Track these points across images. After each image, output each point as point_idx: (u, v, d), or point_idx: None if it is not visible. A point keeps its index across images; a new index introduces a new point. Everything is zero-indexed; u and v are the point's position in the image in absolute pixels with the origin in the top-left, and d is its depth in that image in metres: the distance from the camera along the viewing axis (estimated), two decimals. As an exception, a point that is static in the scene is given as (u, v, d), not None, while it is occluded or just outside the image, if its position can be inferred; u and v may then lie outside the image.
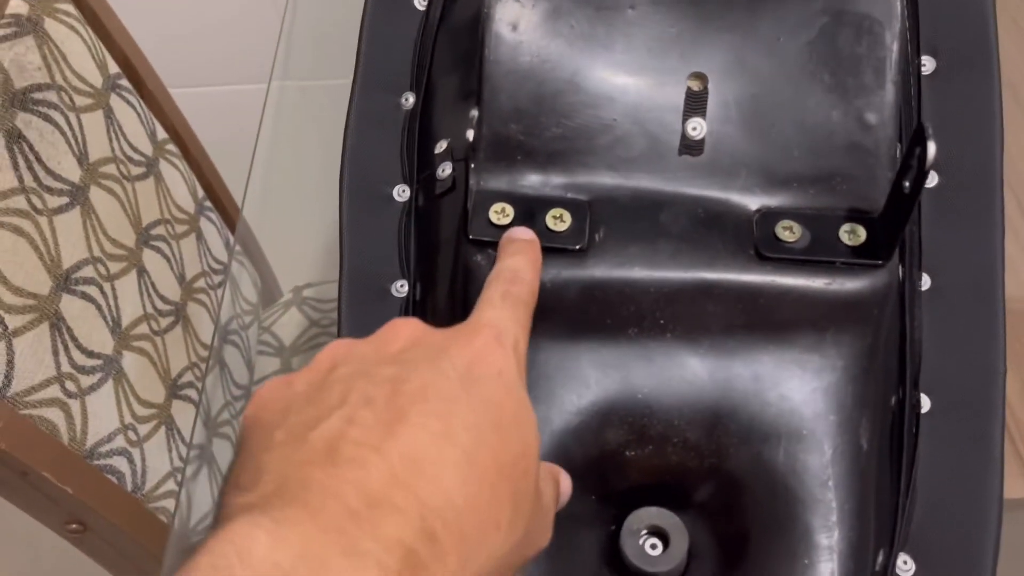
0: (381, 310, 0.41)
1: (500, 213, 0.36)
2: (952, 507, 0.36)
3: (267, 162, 0.74)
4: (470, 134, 0.33)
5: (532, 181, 0.37)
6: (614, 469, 0.35)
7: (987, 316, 0.39)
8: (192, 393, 0.71)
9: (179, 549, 0.61)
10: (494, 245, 0.36)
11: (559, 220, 0.36)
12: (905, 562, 0.35)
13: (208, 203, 0.83)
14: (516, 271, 0.31)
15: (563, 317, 0.35)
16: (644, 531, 0.34)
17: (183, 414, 0.69)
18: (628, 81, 0.38)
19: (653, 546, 0.34)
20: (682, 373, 0.35)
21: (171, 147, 0.76)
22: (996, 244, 0.40)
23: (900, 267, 0.39)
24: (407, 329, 0.27)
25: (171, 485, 0.66)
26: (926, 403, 0.38)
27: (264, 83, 0.76)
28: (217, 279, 0.80)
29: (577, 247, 0.36)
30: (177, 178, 0.76)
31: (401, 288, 0.41)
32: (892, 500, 0.36)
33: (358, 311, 0.41)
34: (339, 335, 0.41)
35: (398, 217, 0.42)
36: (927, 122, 0.39)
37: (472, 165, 0.34)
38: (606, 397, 0.35)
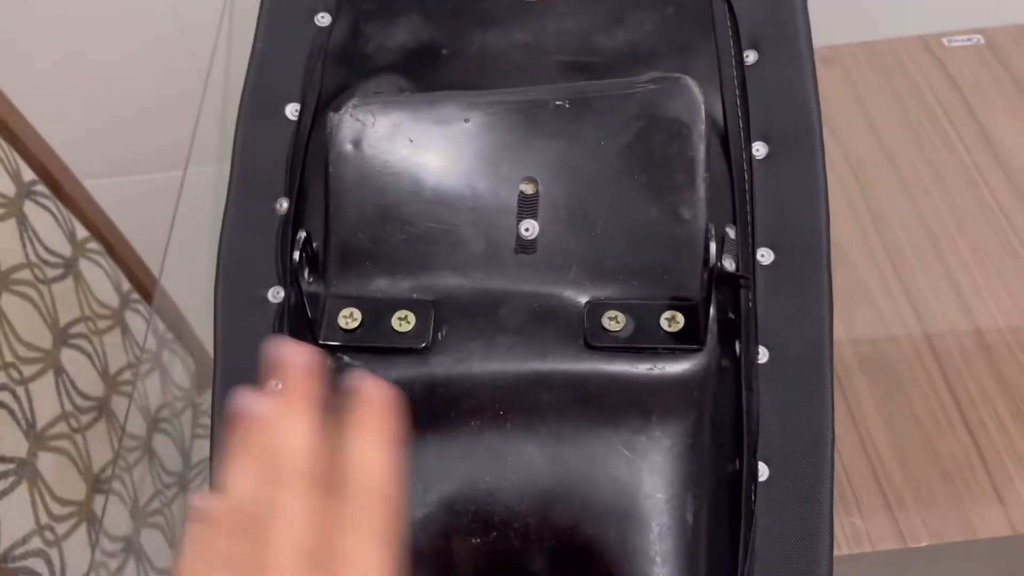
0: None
1: (348, 317, 0.39)
2: (788, 568, 0.38)
3: (188, 244, 0.76)
4: (296, 255, 0.36)
5: (381, 285, 0.40)
6: (462, 557, 0.37)
7: (818, 385, 0.41)
8: (117, 486, 0.73)
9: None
10: (343, 348, 0.39)
11: (404, 321, 0.39)
12: (745, 625, 0.37)
13: (135, 295, 0.85)
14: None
15: (409, 414, 0.38)
16: (488, 615, 0.36)
17: (107, 508, 0.70)
18: (465, 187, 0.40)
19: (500, 629, 0.36)
20: (521, 461, 0.37)
21: (92, 244, 0.78)
22: (824, 315, 0.43)
23: (737, 343, 0.42)
24: None
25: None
26: (764, 471, 0.40)
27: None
28: (145, 368, 0.82)
29: (422, 346, 0.38)
30: (99, 275, 0.78)
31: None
32: (731, 566, 0.38)
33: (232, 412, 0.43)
34: (211, 437, 0.43)
35: (272, 318, 0.45)
36: (718, 220, 0.42)
37: (304, 281, 0.37)
38: (451, 488, 0.37)
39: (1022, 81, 0.75)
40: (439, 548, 0.37)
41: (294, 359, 0.30)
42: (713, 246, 0.34)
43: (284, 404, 0.30)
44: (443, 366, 0.38)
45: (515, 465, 0.37)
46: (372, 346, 0.38)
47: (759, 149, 0.46)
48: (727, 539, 0.38)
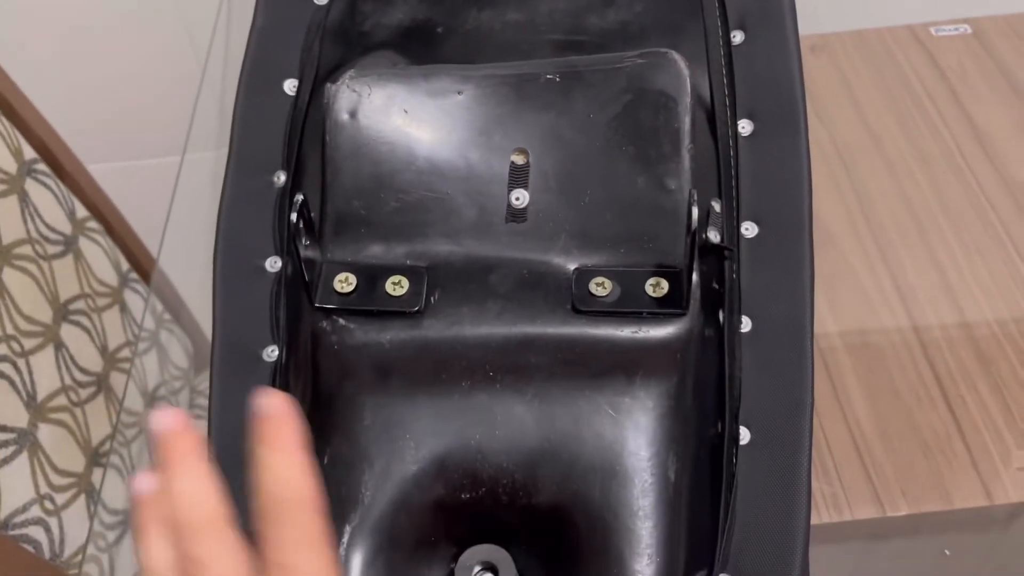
0: (253, 374, 0.44)
1: (344, 282, 0.40)
2: (766, 530, 0.39)
3: (187, 226, 0.77)
4: (293, 216, 0.37)
5: (375, 251, 0.41)
6: (451, 512, 0.38)
7: (798, 354, 0.43)
8: (115, 460, 0.74)
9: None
10: (338, 311, 0.40)
11: (397, 286, 0.40)
12: (724, 583, 0.38)
13: (134, 275, 0.86)
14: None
15: (402, 374, 0.39)
16: (477, 567, 0.37)
17: (105, 481, 0.71)
18: (458, 157, 0.42)
19: (487, 580, 0.37)
20: (510, 420, 0.38)
21: (92, 223, 0.79)
22: (806, 286, 0.44)
23: (720, 312, 0.43)
24: None
25: (91, 551, 0.68)
26: (745, 435, 0.41)
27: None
28: (142, 347, 0.83)
29: (415, 309, 0.39)
30: (99, 253, 0.79)
31: (272, 353, 0.45)
32: (712, 524, 0.39)
33: (230, 377, 0.44)
34: (210, 399, 0.44)
35: (270, 287, 0.46)
36: (702, 191, 0.43)
37: (301, 245, 0.38)
38: (442, 446, 0.38)
39: (1007, 70, 0.76)
40: (430, 503, 0.38)
41: (168, 427, 0.29)
42: (695, 211, 0.35)
43: (172, 466, 0.29)
44: (435, 329, 0.39)
45: (504, 424, 0.38)
46: (367, 309, 0.40)
47: (744, 126, 0.47)
48: (708, 499, 0.40)
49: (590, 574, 0.37)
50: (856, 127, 0.72)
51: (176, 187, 0.77)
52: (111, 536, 0.71)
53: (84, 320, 0.74)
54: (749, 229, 0.45)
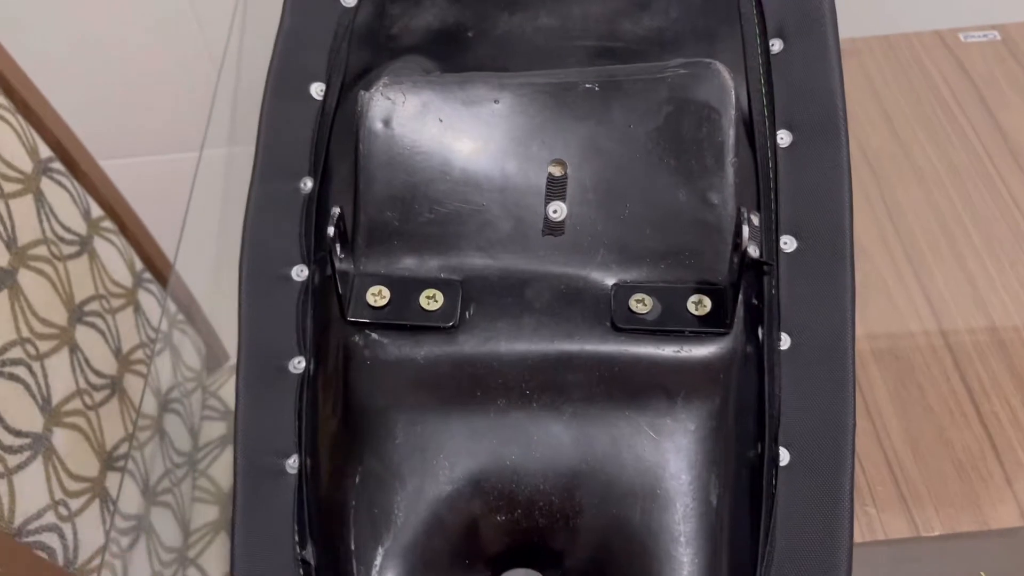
0: (279, 385, 0.43)
1: (377, 295, 0.39)
2: (807, 555, 0.38)
3: (201, 227, 0.76)
4: (331, 230, 0.36)
5: (408, 263, 0.40)
6: (486, 534, 0.37)
7: (839, 372, 0.42)
8: (130, 465, 0.73)
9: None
10: (371, 325, 0.39)
11: (432, 300, 0.39)
12: (765, 608, 0.37)
13: (148, 275, 0.85)
14: None
15: (436, 391, 0.38)
16: (512, 591, 0.36)
17: (122, 487, 0.70)
18: (494, 168, 0.41)
19: (523, 605, 0.36)
20: (547, 440, 0.37)
21: (107, 223, 0.78)
22: (847, 303, 0.43)
23: (759, 329, 0.42)
24: None
25: (105, 557, 0.67)
26: (785, 456, 0.40)
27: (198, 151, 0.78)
28: (158, 348, 0.82)
29: (450, 324, 0.38)
30: (113, 253, 0.78)
31: (298, 365, 0.44)
32: (752, 549, 0.38)
33: (256, 388, 0.43)
34: (236, 410, 0.43)
35: (296, 296, 0.45)
36: (744, 206, 0.42)
37: (336, 257, 0.37)
38: (477, 465, 0.37)
39: None
40: (464, 525, 0.37)
41: None
42: (747, 229, 0.34)
43: None
44: (470, 344, 0.38)
45: (541, 444, 0.37)
46: (400, 324, 0.39)
47: (783, 137, 0.46)
48: (748, 522, 0.39)
49: (630, 601, 0.36)
50: (884, 133, 0.71)
51: (193, 187, 0.76)
52: (125, 542, 0.70)
53: (99, 322, 0.73)
54: (788, 243, 0.44)
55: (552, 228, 0.40)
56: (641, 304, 0.38)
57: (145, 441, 0.75)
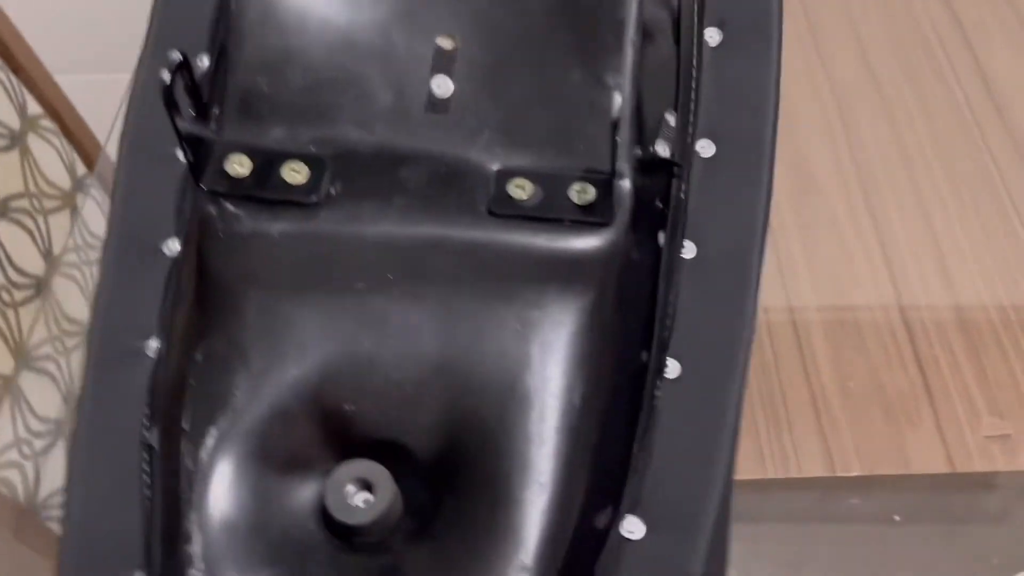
0: (149, 265, 0.40)
1: (237, 164, 0.36)
2: (684, 473, 0.35)
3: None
4: (165, 75, 0.32)
5: (278, 135, 0.37)
6: (333, 424, 0.35)
7: (742, 287, 0.38)
8: (49, 366, 0.71)
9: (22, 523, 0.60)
10: (227, 196, 0.36)
11: (296, 173, 0.36)
12: (632, 527, 0.35)
13: (92, 180, 0.82)
14: None
15: (290, 272, 0.35)
16: (350, 484, 0.33)
17: (35, 386, 0.68)
18: (378, 36, 0.37)
19: (365, 500, 0.33)
20: (405, 328, 0.35)
21: (46, 122, 0.75)
22: (759, 215, 0.40)
23: (661, 234, 0.39)
24: None
25: (13, 455, 0.65)
26: (674, 368, 0.37)
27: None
28: (93, 255, 0.80)
29: (311, 200, 0.35)
30: (51, 153, 0.75)
31: (172, 246, 0.41)
32: (624, 459, 0.35)
33: (122, 266, 0.40)
34: (97, 288, 0.40)
35: (179, 177, 0.42)
36: (662, 103, 0.38)
37: (177, 115, 0.34)
38: (328, 351, 0.35)
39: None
40: (311, 414, 0.35)
41: None
42: (618, 97, 0.31)
43: None
44: (331, 222, 0.35)
45: (398, 332, 0.35)
46: (259, 196, 0.36)
47: (712, 36, 0.42)
48: (623, 433, 0.36)
49: (476, 500, 0.33)
50: (856, 67, 0.67)
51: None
52: (39, 444, 0.68)
53: (26, 220, 0.70)
54: (705, 147, 0.41)
55: (435, 105, 0.37)
56: (520, 190, 0.35)
57: (72, 347, 0.73)
